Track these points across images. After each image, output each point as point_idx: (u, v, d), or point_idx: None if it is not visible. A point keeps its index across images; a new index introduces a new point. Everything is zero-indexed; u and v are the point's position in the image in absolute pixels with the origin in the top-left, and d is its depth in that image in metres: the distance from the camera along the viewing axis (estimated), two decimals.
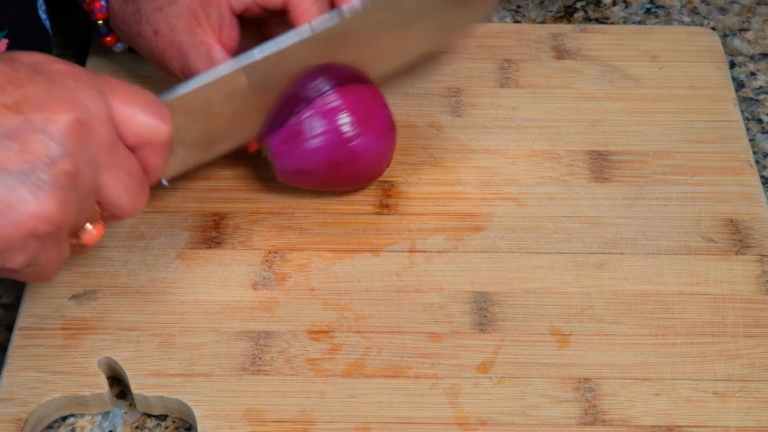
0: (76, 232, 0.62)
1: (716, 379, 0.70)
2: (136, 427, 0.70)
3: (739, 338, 0.72)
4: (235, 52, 0.74)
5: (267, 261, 0.76)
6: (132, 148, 0.62)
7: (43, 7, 0.79)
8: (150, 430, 0.70)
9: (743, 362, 0.71)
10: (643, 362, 0.71)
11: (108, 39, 0.81)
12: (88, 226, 0.62)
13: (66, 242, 0.62)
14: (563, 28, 0.91)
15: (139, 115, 0.61)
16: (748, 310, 0.74)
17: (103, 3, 0.79)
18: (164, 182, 0.72)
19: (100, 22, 0.80)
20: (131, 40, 0.79)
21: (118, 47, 0.83)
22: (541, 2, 0.96)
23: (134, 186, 0.62)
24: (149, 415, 0.71)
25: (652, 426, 0.68)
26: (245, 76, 0.70)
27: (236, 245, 0.76)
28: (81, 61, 0.91)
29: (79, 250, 0.64)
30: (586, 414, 0.69)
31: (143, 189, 0.63)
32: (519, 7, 0.95)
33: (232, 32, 0.75)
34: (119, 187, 0.61)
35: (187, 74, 0.76)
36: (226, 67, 0.70)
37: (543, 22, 0.94)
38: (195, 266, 0.75)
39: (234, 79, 0.70)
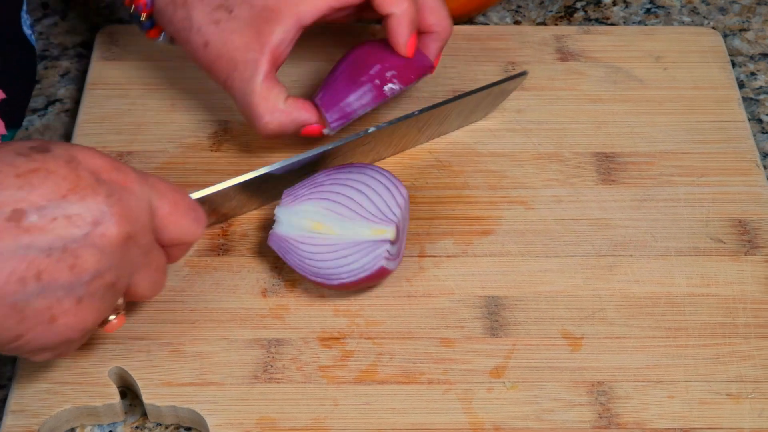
0: (101, 323, 0.64)
1: (729, 380, 0.70)
2: (136, 428, 0.70)
3: (750, 339, 0.72)
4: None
5: (276, 267, 0.75)
6: (163, 246, 0.65)
7: (28, 22, 0.78)
8: (150, 430, 0.70)
9: (755, 363, 0.71)
10: (656, 364, 0.71)
11: (151, 32, 0.79)
12: (112, 317, 0.64)
13: (89, 335, 0.64)
14: (566, 29, 0.91)
15: (180, 221, 0.64)
16: (759, 310, 0.74)
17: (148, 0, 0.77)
18: None
19: (144, 16, 0.78)
20: (177, 41, 0.77)
21: (161, 39, 0.80)
22: (541, 2, 0.95)
23: (158, 278, 0.65)
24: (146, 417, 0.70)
25: (667, 429, 0.68)
26: (266, 177, 0.74)
27: (245, 252, 0.76)
28: (81, 61, 0.90)
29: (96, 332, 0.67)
30: (601, 417, 0.69)
31: (164, 277, 0.66)
32: (519, 7, 0.95)
33: (287, 50, 0.75)
34: (147, 282, 0.64)
35: (228, 90, 0.76)
36: (251, 173, 0.74)
37: (543, 23, 0.94)
38: (204, 274, 0.75)
39: (255, 182, 0.74)
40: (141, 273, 0.63)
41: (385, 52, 0.77)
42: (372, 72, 0.76)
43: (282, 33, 0.73)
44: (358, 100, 0.76)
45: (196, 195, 0.71)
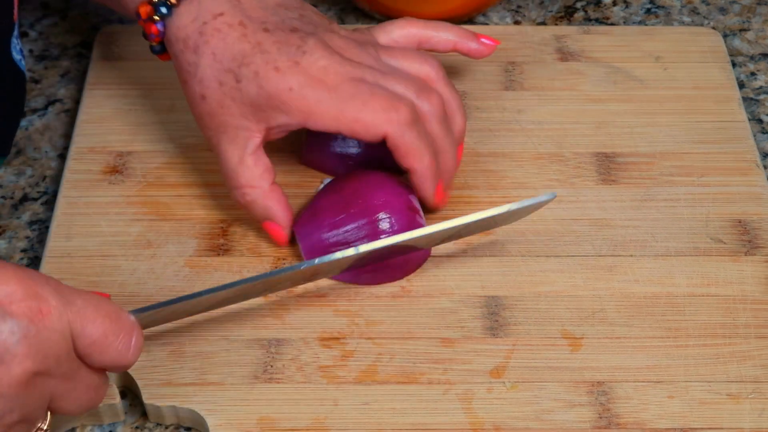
0: None
1: (729, 380, 0.70)
2: (137, 428, 0.70)
3: (750, 339, 0.72)
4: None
5: (275, 268, 0.75)
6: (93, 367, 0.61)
7: (18, 47, 0.77)
8: (150, 430, 0.70)
9: (756, 363, 0.71)
10: (656, 365, 0.71)
11: (163, 56, 0.77)
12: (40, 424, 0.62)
13: None
14: (566, 29, 0.91)
15: (109, 350, 0.60)
16: (759, 310, 0.74)
17: (160, 28, 0.74)
18: None
19: (155, 43, 0.76)
20: (178, 76, 0.75)
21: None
22: (541, 2, 0.95)
23: (92, 396, 0.61)
24: (147, 419, 0.70)
25: (667, 429, 0.68)
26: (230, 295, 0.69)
27: (244, 252, 0.76)
28: (81, 61, 0.90)
29: None
30: (601, 418, 0.69)
31: (103, 388, 0.62)
32: (519, 7, 0.95)
33: (280, 135, 0.74)
34: (75, 403, 0.61)
35: (213, 148, 0.74)
36: (214, 291, 0.67)
37: (543, 23, 0.94)
38: (203, 274, 0.75)
39: (214, 298, 0.68)
40: (64, 398, 0.59)
41: (379, 191, 0.75)
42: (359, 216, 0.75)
43: (285, 121, 0.72)
44: (336, 237, 0.75)
45: (140, 313, 0.64)
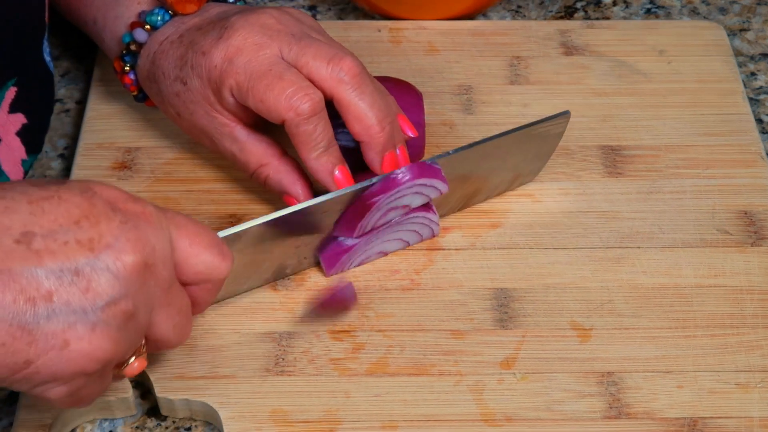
0: (120, 364, 0.62)
1: (738, 370, 0.71)
2: (137, 427, 0.70)
3: (758, 329, 0.73)
4: (259, 124, 0.75)
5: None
6: (187, 284, 0.62)
7: (48, 50, 0.78)
8: (150, 430, 0.70)
9: (764, 353, 0.71)
10: (665, 355, 0.71)
11: (148, 102, 0.81)
12: (132, 359, 0.62)
13: (109, 376, 0.61)
14: (570, 24, 0.91)
15: (202, 255, 0.61)
16: (767, 301, 0.74)
17: (132, 77, 0.79)
18: None
19: (135, 92, 0.80)
20: (162, 111, 0.79)
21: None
22: (542, 2, 0.96)
23: (182, 322, 0.62)
24: (149, 416, 0.71)
25: (677, 418, 0.69)
26: (303, 219, 0.71)
27: None
28: (82, 62, 0.90)
29: (117, 378, 0.64)
30: (611, 408, 0.69)
31: (189, 322, 0.63)
32: (519, 7, 0.96)
33: (248, 113, 0.75)
34: (169, 323, 0.61)
35: (218, 153, 0.77)
36: (279, 212, 0.70)
37: None
38: None
39: (284, 222, 0.70)
40: (162, 312, 0.60)
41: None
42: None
43: (229, 99, 0.73)
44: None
45: (224, 233, 0.68)
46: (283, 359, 0.71)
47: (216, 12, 0.77)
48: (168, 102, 0.76)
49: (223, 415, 0.68)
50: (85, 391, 0.60)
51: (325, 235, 0.74)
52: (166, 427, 0.70)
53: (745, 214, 0.79)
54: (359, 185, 0.72)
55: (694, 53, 0.89)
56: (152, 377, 0.70)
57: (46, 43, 0.78)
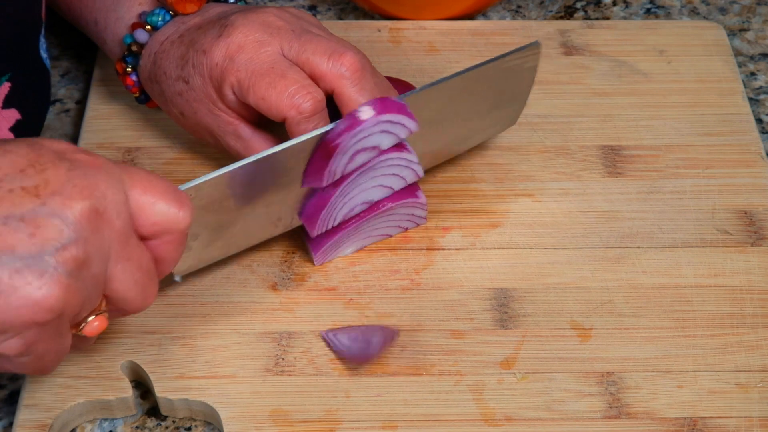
0: (78, 323, 0.60)
1: (737, 370, 0.71)
2: (137, 427, 0.70)
3: (758, 329, 0.73)
4: (262, 121, 0.75)
5: (286, 261, 0.76)
6: (147, 238, 0.61)
7: (44, 46, 0.78)
8: (150, 430, 0.70)
9: (763, 353, 0.71)
10: (665, 355, 0.71)
11: (149, 104, 0.81)
12: (91, 317, 0.60)
13: (67, 333, 0.60)
14: (570, 24, 0.91)
15: (158, 203, 0.60)
16: (766, 300, 0.74)
17: (134, 79, 0.79)
18: (177, 278, 0.71)
19: (136, 94, 0.80)
20: (165, 112, 0.79)
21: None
22: (542, 2, 0.96)
23: (143, 280, 0.60)
24: (149, 415, 0.71)
25: (677, 418, 0.69)
26: (266, 169, 0.70)
27: (254, 246, 0.76)
28: (82, 62, 0.90)
29: (80, 343, 0.62)
30: (611, 407, 0.69)
31: (152, 283, 0.61)
32: (519, 7, 0.96)
33: (251, 111, 0.74)
34: (128, 280, 0.59)
35: (222, 151, 0.77)
36: (244, 160, 0.68)
37: None
38: (214, 268, 0.75)
39: (251, 171, 0.69)
40: (119, 265, 0.58)
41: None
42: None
43: (230, 96, 0.73)
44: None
45: (183, 186, 0.65)
46: (283, 359, 0.71)
47: (216, 11, 0.77)
48: (171, 102, 0.76)
49: (223, 414, 0.68)
50: (41, 347, 0.58)
51: (299, 193, 0.72)
52: (166, 427, 0.70)
53: (745, 214, 0.79)
54: (322, 129, 0.70)
55: (694, 53, 0.89)
56: (152, 377, 0.70)
57: (42, 40, 0.78)
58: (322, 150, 0.70)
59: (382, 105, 0.70)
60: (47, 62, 0.79)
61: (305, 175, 0.72)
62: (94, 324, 0.60)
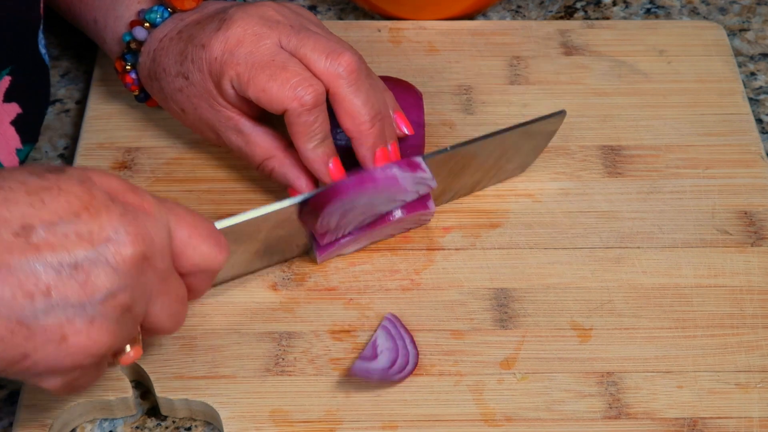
0: (115, 353, 0.61)
1: (737, 370, 0.71)
2: (137, 427, 0.70)
3: (758, 329, 0.73)
4: (263, 116, 0.75)
5: (286, 261, 0.76)
6: (184, 274, 0.62)
7: (43, 42, 0.78)
8: (150, 430, 0.70)
9: (763, 353, 0.71)
10: (665, 355, 0.71)
11: (149, 103, 0.82)
12: (128, 347, 0.61)
13: (105, 366, 0.61)
14: (570, 24, 0.91)
15: (201, 246, 0.61)
16: (766, 301, 0.74)
17: (133, 77, 0.79)
18: None
19: (136, 92, 0.81)
20: (165, 109, 0.80)
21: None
22: (541, 2, 0.96)
23: (179, 311, 0.62)
24: (149, 415, 0.71)
25: (677, 418, 0.69)
26: (294, 209, 0.71)
27: None
28: (82, 62, 0.90)
29: (111, 366, 0.64)
30: (611, 408, 0.69)
31: (184, 309, 0.63)
32: (519, 7, 0.96)
33: (251, 105, 0.74)
34: (165, 312, 0.61)
35: (223, 146, 0.77)
36: (280, 203, 0.70)
37: None
38: None
39: (283, 212, 0.71)
40: (159, 301, 0.60)
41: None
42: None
43: (230, 90, 0.73)
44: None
45: (221, 224, 0.68)
46: (283, 359, 0.71)
47: (215, 7, 0.77)
48: (171, 99, 0.76)
49: (223, 415, 0.68)
50: (81, 381, 0.60)
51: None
52: (166, 427, 0.70)
53: (745, 214, 0.79)
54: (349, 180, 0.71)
55: (694, 53, 0.89)
56: (152, 377, 0.70)
57: (41, 36, 0.78)
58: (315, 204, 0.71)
59: (407, 165, 0.72)
60: (46, 58, 0.79)
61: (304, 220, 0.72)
62: (130, 354, 0.61)
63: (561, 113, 0.76)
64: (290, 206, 0.71)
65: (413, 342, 0.71)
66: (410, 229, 0.77)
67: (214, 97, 0.74)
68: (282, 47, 0.72)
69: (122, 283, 0.57)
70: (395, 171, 0.71)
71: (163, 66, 0.76)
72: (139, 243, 0.57)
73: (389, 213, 0.74)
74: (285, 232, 0.72)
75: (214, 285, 0.73)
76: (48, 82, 0.80)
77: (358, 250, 0.76)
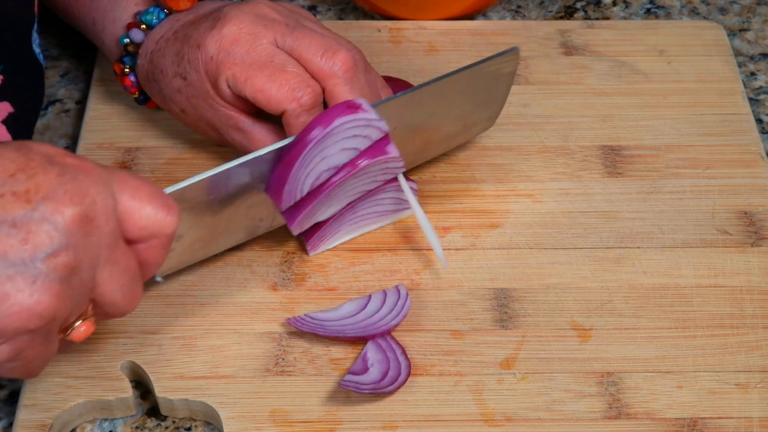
0: (65, 328, 0.60)
1: (737, 370, 0.71)
2: (137, 428, 0.70)
3: (758, 329, 0.73)
4: (262, 112, 0.75)
5: (286, 261, 0.76)
6: (133, 242, 0.61)
7: (37, 41, 0.78)
8: (150, 430, 0.70)
9: (763, 353, 0.71)
10: (665, 355, 0.71)
11: (149, 104, 0.82)
12: (78, 322, 0.60)
13: (55, 338, 0.60)
14: (570, 24, 0.91)
15: (146, 208, 0.60)
16: (766, 301, 0.74)
17: (132, 79, 0.79)
18: (158, 278, 0.71)
19: (135, 94, 0.81)
20: (165, 110, 0.79)
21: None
22: (541, 2, 0.96)
23: (129, 284, 0.60)
24: (149, 416, 0.71)
25: (677, 418, 0.69)
26: (248, 172, 0.70)
27: (254, 246, 0.76)
28: (81, 61, 0.90)
29: (66, 347, 0.62)
30: (611, 408, 0.69)
31: (138, 287, 0.61)
32: (519, 7, 0.96)
33: (248, 104, 0.74)
34: (115, 283, 0.59)
35: (226, 144, 0.77)
36: (230, 163, 0.68)
37: None
38: (214, 268, 0.75)
39: (237, 174, 0.69)
40: (107, 270, 0.58)
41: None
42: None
43: (226, 90, 0.73)
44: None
45: (169, 189, 0.66)
46: (283, 359, 0.71)
47: (210, 7, 0.77)
48: (170, 99, 0.76)
49: (223, 415, 0.68)
50: (30, 353, 0.58)
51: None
52: (166, 427, 0.70)
53: (745, 214, 0.79)
54: (288, 140, 0.70)
55: (694, 53, 0.89)
56: (152, 377, 0.70)
57: (35, 35, 0.78)
58: (281, 168, 0.71)
59: (348, 107, 0.70)
60: (41, 58, 0.79)
61: (269, 190, 0.71)
62: (81, 329, 0.60)
63: (513, 50, 0.75)
64: (239, 167, 0.69)
65: (404, 353, 0.71)
66: (386, 184, 0.75)
67: (212, 96, 0.74)
68: (278, 46, 0.72)
69: (64, 241, 0.56)
70: (336, 113, 0.70)
71: (160, 67, 0.76)
72: (78, 201, 0.56)
73: (351, 162, 0.72)
74: (244, 202, 0.71)
75: (176, 270, 0.72)
76: (42, 82, 0.80)
77: (349, 240, 0.76)
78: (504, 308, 0.74)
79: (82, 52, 0.92)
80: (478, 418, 0.68)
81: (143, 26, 0.77)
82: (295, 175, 0.70)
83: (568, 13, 0.95)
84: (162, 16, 0.77)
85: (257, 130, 0.75)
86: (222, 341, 0.72)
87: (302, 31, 0.73)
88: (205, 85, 0.74)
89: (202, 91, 0.74)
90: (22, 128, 0.78)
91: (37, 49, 0.78)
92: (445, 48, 0.89)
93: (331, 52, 0.72)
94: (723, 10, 0.96)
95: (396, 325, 0.71)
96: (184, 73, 0.74)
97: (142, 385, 0.72)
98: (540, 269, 0.76)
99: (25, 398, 0.69)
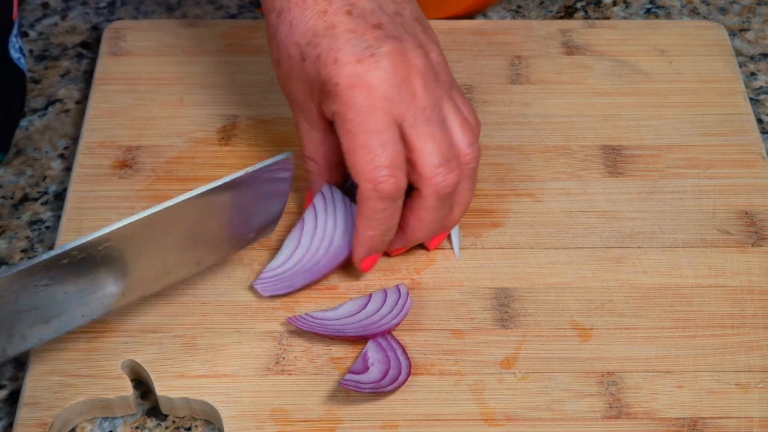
0: None
1: (738, 370, 0.71)
2: (137, 427, 0.70)
3: (758, 329, 0.73)
4: None
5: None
6: None
7: (17, 45, 0.77)
8: (150, 430, 0.70)
9: (764, 353, 0.71)
10: (665, 355, 0.71)
11: (259, 9, 0.78)
12: None
13: None
14: (571, 23, 0.91)
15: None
16: (767, 301, 0.74)
17: None
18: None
19: None
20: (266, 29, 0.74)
21: None
22: (542, 2, 0.96)
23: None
24: (150, 415, 0.71)
25: (677, 418, 0.69)
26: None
27: (255, 246, 0.76)
28: (81, 61, 0.90)
29: None
30: (611, 407, 0.69)
31: None
32: (519, 7, 0.96)
33: None
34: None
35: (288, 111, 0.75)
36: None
37: None
38: (215, 267, 0.75)
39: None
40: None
41: None
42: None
43: (331, 110, 0.70)
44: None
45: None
46: (283, 358, 0.71)
47: (390, 10, 0.71)
48: (278, 47, 0.71)
49: (224, 414, 0.68)
50: None
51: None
52: (167, 427, 0.70)
53: (746, 214, 0.79)
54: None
55: (695, 53, 0.89)
56: (153, 376, 0.70)
57: (15, 40, 0.77)
58: None
59: None
60: (21, 63, 0.78)
61: None
62: None
63: (288, 155, 0.70)
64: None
65: (405, 353, 0.71)
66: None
67: (312, 92, 0.71)
68: (396, 122, 0.69)
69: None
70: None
71: (291, 19, 0.70)
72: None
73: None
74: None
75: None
76: (23, 88, 0.79)
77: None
78: (504, 308, 0.74)
79: (82, 52, 0.92)
80: (479, 417, 0.68)
81: None
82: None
83: (568, 13, 0.95)
84: None
85: (320, 137, 0.73)
86: (222, 340, 0.72)
87: (433, 129, 0.69)
88: (313, 88, 0.70)
89: (308, 84, 0.70)
90: (1, 136, 0.77)
91: (16, 54, 0.77)
92: (445, 47, 0.88)
93: (447, 170, 0.70)
94: (723, 10, 0.96)
95: (396, 325, 0.71)
96: (305, 56, 0.70)
97: (142, 384, 0.72)
98: (541, 269, 0.76)
99: (26, 396, 0.69)
